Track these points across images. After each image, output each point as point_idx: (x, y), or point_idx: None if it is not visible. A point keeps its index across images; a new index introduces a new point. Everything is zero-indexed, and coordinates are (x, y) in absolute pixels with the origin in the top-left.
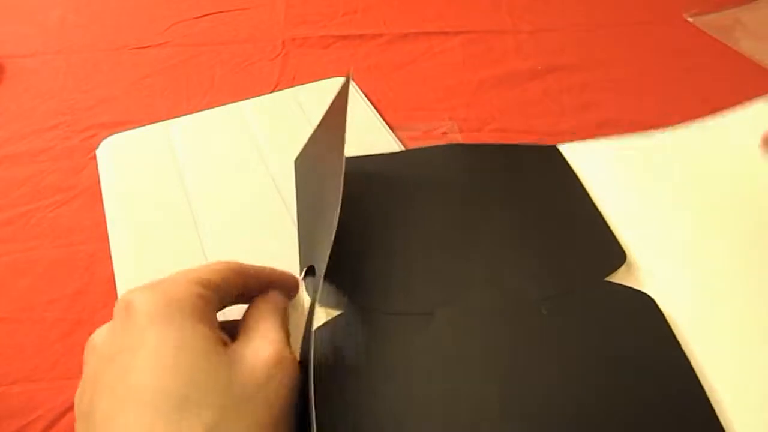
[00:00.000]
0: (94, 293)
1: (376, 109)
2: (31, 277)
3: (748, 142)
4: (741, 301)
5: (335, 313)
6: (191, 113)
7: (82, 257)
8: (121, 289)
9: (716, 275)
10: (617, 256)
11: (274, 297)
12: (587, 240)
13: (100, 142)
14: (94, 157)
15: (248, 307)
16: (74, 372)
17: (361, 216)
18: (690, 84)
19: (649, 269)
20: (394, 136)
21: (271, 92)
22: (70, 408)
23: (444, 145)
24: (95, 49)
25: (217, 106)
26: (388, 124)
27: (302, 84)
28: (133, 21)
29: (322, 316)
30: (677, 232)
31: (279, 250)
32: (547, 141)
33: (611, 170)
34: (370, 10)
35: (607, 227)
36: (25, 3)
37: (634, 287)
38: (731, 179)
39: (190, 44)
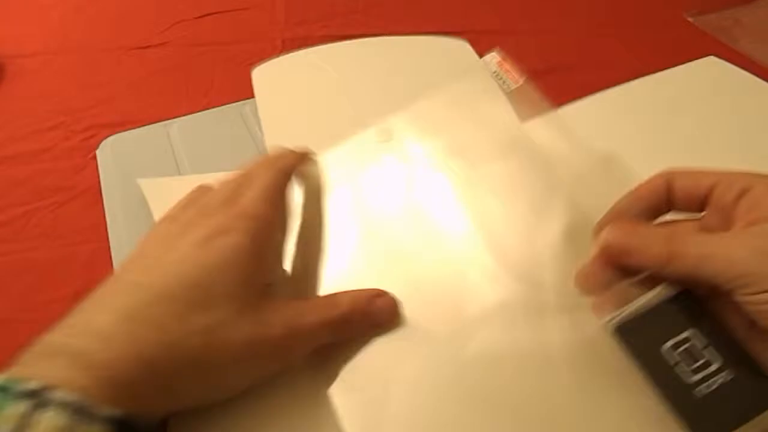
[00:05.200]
0: None
1: None
2: (31, 277)
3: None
4: None
5: None
6: (191, 113)
7: (82, 257)
8: None
9: None
10: None
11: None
12: None
13: (100, 142)
14: (94, 157)
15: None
16: None
17: None
18: None
19: None
20: None
21: None
22: None
23: None
24: (95, 49)
25: (217, 106)
26: None
27: None
28: (133, 21)
29: None
30: None
31: None
32: None
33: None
34: (370, 10)
35: None
36: (25, 3)
37: None
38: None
39: (190, 44)
